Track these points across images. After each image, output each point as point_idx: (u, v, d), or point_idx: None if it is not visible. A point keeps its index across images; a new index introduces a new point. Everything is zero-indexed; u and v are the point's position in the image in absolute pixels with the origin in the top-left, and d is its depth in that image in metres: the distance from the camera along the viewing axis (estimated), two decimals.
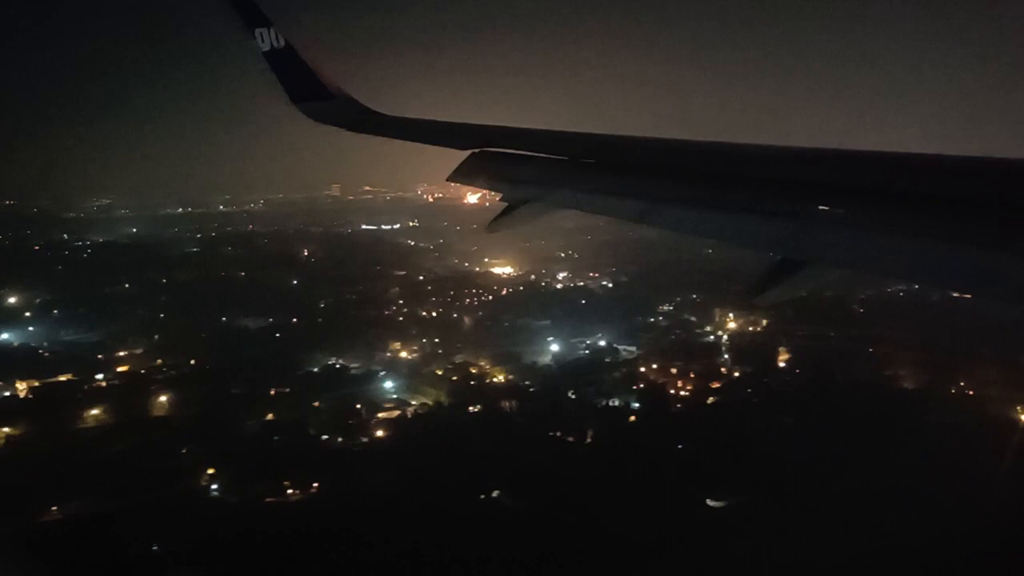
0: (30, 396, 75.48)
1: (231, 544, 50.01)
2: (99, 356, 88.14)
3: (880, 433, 65.50)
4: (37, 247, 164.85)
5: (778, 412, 71.92)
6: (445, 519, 52.35)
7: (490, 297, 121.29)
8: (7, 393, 76.25)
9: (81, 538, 50.01)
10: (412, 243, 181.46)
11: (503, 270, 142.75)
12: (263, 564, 48.73)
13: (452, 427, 69.01)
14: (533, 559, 48.14)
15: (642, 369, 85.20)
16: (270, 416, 71.79)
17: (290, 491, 58.04)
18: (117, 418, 69.94)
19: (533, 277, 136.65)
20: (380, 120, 11.41)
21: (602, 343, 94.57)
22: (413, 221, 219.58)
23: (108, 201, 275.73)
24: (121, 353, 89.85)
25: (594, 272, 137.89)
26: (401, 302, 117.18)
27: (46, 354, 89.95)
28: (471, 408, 74.33)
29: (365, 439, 67.98)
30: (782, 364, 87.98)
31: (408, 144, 9.95)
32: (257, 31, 11.51)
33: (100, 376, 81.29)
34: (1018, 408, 69.52)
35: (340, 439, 67.90)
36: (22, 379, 77.89)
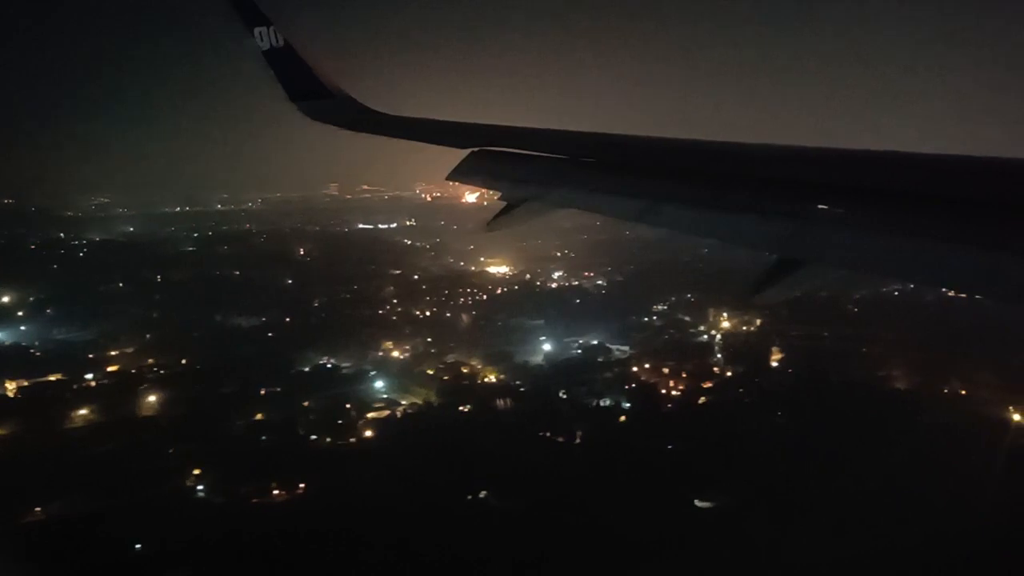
0: (19, 396, 75.27)
1: (216, 545, 49.75)
2: (90, 355, 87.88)
3: (872, 433, 65.30)
4: (33, 246, 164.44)
5: (770, 412, 71.73)
6: (431, 519, 52.12)
7: (484, 296, 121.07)
8: None
9: (64, 539, 49.79)
10: (408, 242, 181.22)
11: (498, 269, 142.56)
12: (247, 565, 48.52)
13: (441, 427, 68.75)
14: (517, 559, 47.94)
15: (634, 369, 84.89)
16: (259, 416, 71.53)
17: (276, 492, 57.78)
18: (105, 418, 69.69)
19: (528, 276, 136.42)
20: (379, 119, 11.41)
21: (594, 343, 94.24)
22: (410, 220, 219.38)
23: (106, 200, 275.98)
24: (112, 352, 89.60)
25: (589, 271, 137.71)
26: (395, 301, 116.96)
27: (37, 353, 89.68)
28: (461, 408, 74.05)
29: (353, 439, 67.76)
30: (775, 364, 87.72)
31: (406, 143, 9.98)
32: (256, 30, 11.53)
33: (90, 376, 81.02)
34: (1010, 408, 69.24)
35: (329, 439, 67.66)
36: (11, 379, 77.58)
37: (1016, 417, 68.59)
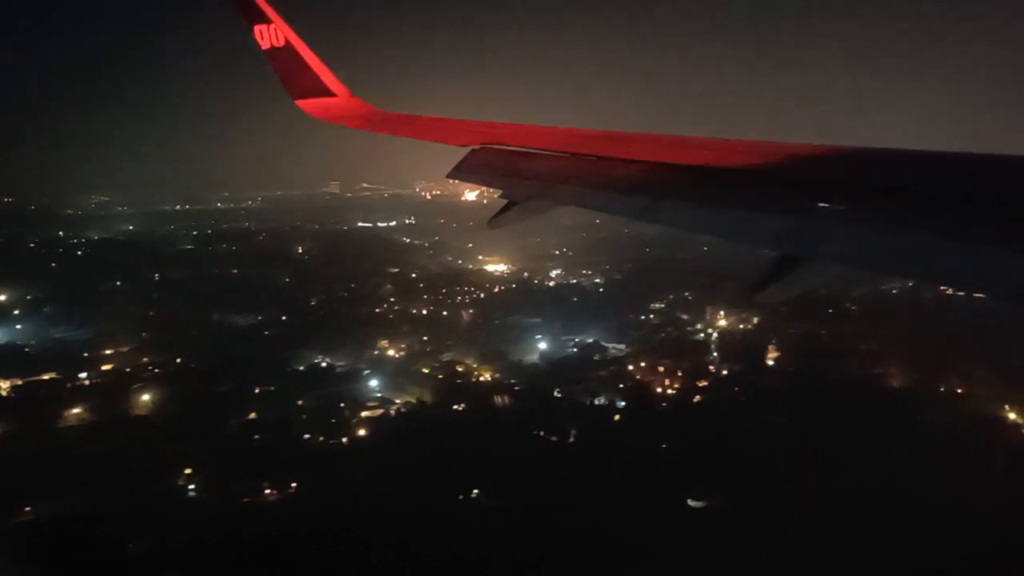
0: (11, 395, 75.18)
1: (206, 545, 49.62)
2: (85, 354, 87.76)
3: (868, 433, 65.05)
4: (32, 244, 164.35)
5: (766, 411, 71.37)
6: (422, 519, 51.97)
7: (481, 295, 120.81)
8: None
9: (54, 539, 49.70)
10: (407, 240, 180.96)
11: (496, 267, 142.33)
12: (238, 564, 48.37)
13: (435, 426, 68.57)
14: (508, 558, 47.82)
15: (630, 367, 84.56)
16: (253, 415, 71.39)
17: (268, 491, 57.62)
18: (98, 417, 69.64)
19: (526, 275, 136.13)
20: (380, 117, 11.43)
21: (590, 341, 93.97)
22: (409, 218, 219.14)
23: (106, 198, 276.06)
24: (108, 351, 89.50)
25: (588, 269, 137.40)
26: (392, 300, 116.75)
27: (32, 352, 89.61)
28: (455, 407, 73.86)
29: (346, 438, 67.59)
30: (771, 362, 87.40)
31: (407, 141, 10.00)
32: (257, 28, 11.53)
33: (84, 374, 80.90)
34: (1006, 407, 68.92)
35: (322, 438, 67.47)
36: (5, 378, 77.55)
37: (1012, 416, 68.26)
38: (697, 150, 6.70)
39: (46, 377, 79.30)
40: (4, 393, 75.56)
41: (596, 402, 75.50)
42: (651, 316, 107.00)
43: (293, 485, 58.39)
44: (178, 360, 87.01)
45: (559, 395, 76.99)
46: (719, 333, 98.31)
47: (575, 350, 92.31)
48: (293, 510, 54.53)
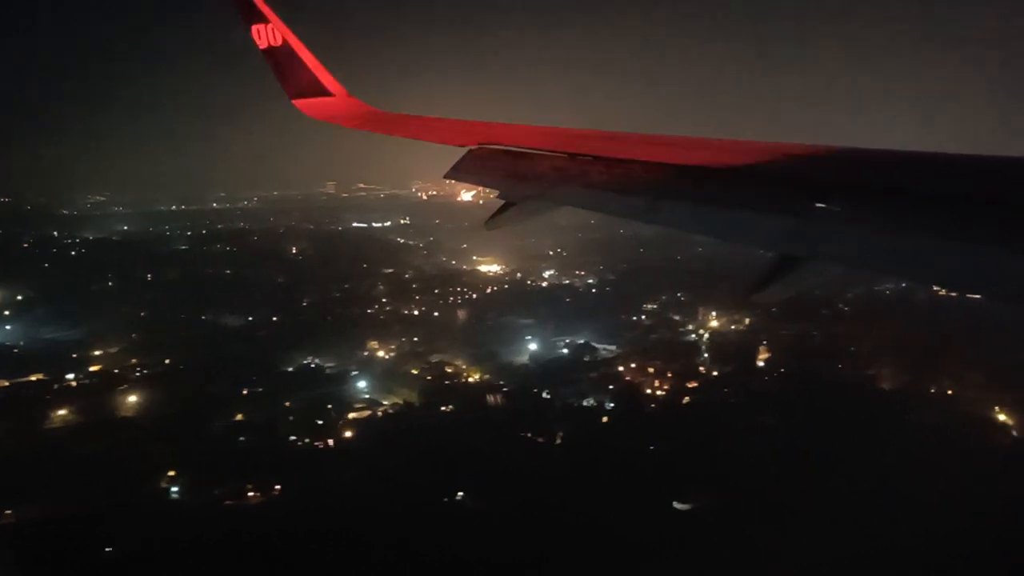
0: None
1: (187, 547, 49.31)
2: (74, 355, 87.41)
3: (858, 433, 64.79)
4: (26, 244, 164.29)
5: (755, 412, 71.08)
6: (406, 521, 51.63)
7: (474, 295, 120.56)
8: None
9: (35, 542, 49.40)
10: (402, 241, 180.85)
11: (490, 268, 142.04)
12: (217, 566, 48.04)
13: (422, 428, 68.17)
14: (491, 561, 47.46)
15: (620, 368, 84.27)
16: (239, 416, 71.04)
17: (251, 493, 57.28)
18: (83, 418, 69.22)
19: (519, 275, 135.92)
20: (377, 117, 11.38)
21: (581, 342, 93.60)
22: (404, 219, 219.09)
23: (103, 198, 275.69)
24: (96, 352, 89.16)
25: (581, 270, 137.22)
26: (384, 300, 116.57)
27: (21, 353, 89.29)
28: (443, 408, 73.52)
29: (332, 440, 67.14)
30: (762, 364, 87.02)
31: (404, 141, 9.99)
32: (254, 27, 11.45)
33: (71, 376, 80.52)
34: (996, 408, 68.65)
35: (307, 440, 67.12)
36: None
37: (1002, 417, 67.99)
38: (696, 150, 6.67)
39: (33, 378, 78.91)
40: None
41: (585, 403, 75.17)
42: (643, 317, 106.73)
43: (277, 487, 58.03)
44: (167, 361, 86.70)
45: (548, 396, 76.62)
46: (711, 334, 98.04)
47: (566, 351, 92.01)
48: (276, 512, 54.20)
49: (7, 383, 77.24)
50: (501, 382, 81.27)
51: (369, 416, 72.27)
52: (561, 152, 7.69)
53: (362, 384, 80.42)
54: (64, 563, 48.22)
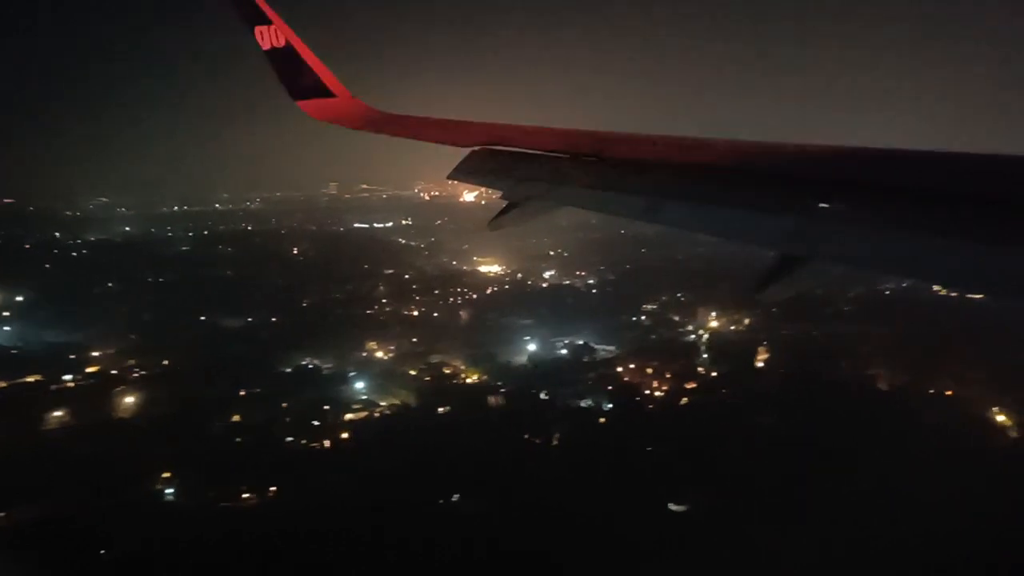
0: None
1: (182, 549, 49.28)
2: (72, 356, 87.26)
3: (857, 435, 64.39)
4: (28, 246, 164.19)
5: (753, 413, 70.83)
6: (399, 524, 51.48)
7: (474, 296, 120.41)
8: None
9: (29, 543, 49.30)
10: (403, 241, 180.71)
11: (491, 268, 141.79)
12: (211, 568, 47.97)
13: (419, 429, 68.02)
14: (483, 563, 47.33)
15: (619, 369, 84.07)
16: (236, 418, 70.91)
17: (246, 495, 57.19)
18: (79, 420, 69.10)
19: (520, 276, 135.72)
20: (380, 118, 11.41)
21: (580, 343, 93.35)
22: (407, 219, 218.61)
23: (106, 200, 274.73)
24: (95, 353, 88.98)
25: (582, 270, 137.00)
26: (384, 301, 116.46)
27: (19, 354, 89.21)
28: (440, 409, 73.32)
29: (328, 441, 67.03)
30: (762, 364, 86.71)
31: (406, 142, 10.01)
32: (257, 29, 11.44)
33: (68, 377, 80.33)
34: (994, 409, 68.27)
35: (304, 441, 67.07)
36: None
37: (1001, 418, 67.62)
38: (696, 150, 6.70)
39: (30, 380, 78.65)
40: None
41: (582, 404, 74.96)
42: (643, 317, 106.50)
43: (272, 489, 57.94)
44: (165, 362, 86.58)
45: (545, 397, 76.42)
46: (710, 334, 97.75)
47: (564, 352, 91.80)
48: (270, 514, 54.13)
49: (4, 384, 77.12)
50: (499, 383, 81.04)
51: (366, 417, 72.21)
52: (563, 152, 7.71)
53: (360, 385, 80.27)
54: (60, 564, 48.12)
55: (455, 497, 56.70)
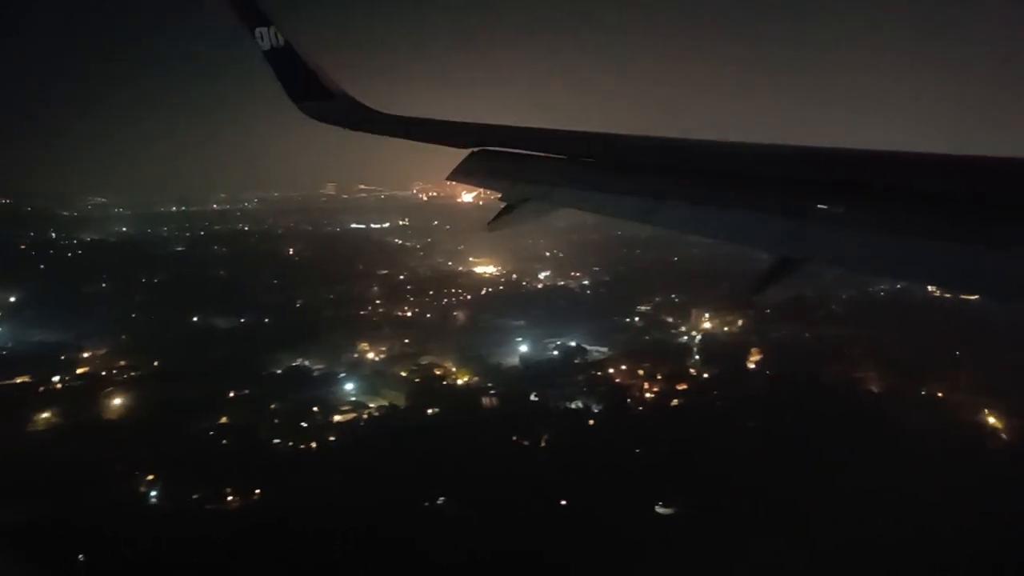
0: None
1: (165, 552, 48.89)
2: (62, 357, 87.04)
3: (846, 437, 64.02)
4: (23, 246, 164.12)
5: (743, 415, 70.35)
6: (384, 527, 51.11)
7: (468, 297, 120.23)
8: None
9: (9, 546, 48.91)
10: (399, 242, 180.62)
11: (486, 269, 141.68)
12: (195, 571, 47.60)
13: (407, 430, 67.54)
14: (466, 567, 47.00)
15: (610, 370, 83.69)
16: (224, 419, 70.46)
17: (231, 497, 56.79)
18: (66, 421, 68.69)
19: (514, 277, 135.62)
20: (379, 119, 11.45)
21: (572, 344, 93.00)
22: (403, 220, 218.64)
23: (103, 200, 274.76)
24: (85, 354, 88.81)
25: (577, 272, 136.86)
26: (378, 302, 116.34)
27: (8, 355, 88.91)
28: (429, 411, 72.95)
29: (316, 443, 66.53)
30: (753, 366, 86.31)
31: (405, 143, 10.06)
32: (257, 30, 11.59)
33: (56, 378, 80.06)
34: (985, 411, 67.92)
35: (291, 443, 66.52)
36: None
37: (992, 420, 67.27)
38: (694, 152, 6.69)
39: (18, 381, 78.40)
40: None
41: (572, 406, 74.48)
42: (636, 319, 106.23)
43: (257, 491, 57.53)
44: (155, 363, 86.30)
45: (535, 399, 76.00)
46: (703, 336, 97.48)
47: (556, 353, 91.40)
48: (255, 516, 53.71)
49: None
50: (489, 384, 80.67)
51: (355, 419, 71.81)
52: (562, 154, 7.79)
53: (349, 386, 79.90)
54: (40, 567, 47.78)
55: (440, 500, 56.31)
